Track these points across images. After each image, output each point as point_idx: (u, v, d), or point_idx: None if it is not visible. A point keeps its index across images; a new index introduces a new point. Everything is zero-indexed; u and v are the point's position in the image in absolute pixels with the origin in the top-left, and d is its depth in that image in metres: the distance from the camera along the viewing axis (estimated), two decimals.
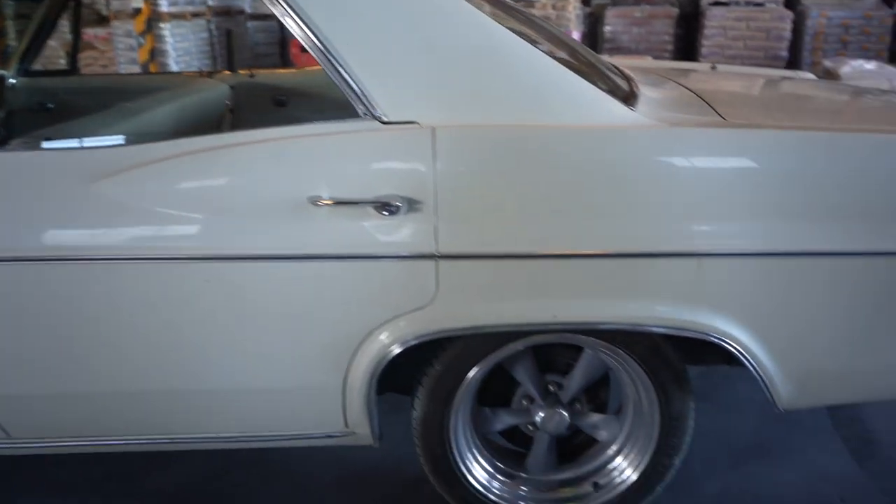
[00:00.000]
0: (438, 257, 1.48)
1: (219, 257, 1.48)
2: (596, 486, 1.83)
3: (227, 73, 3.09)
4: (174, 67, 7.59)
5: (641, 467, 1.78)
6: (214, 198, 1.47)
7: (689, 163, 1.50)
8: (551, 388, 1.81)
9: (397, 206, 1.44)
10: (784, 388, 1.62)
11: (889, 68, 6.79)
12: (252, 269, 1.49)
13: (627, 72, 2.02)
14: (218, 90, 2.82)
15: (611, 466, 1.84)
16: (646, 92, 1.79)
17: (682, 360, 1.69)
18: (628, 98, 1.65)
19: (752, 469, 2.15)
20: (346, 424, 1.65)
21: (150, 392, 1.62)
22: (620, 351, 1.65)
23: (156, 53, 7.68)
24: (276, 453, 2.19)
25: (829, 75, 6.64)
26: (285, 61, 8.64)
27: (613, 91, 1.62)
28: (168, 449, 1.73)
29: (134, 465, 2.14)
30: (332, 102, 2.92)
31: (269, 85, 2.97)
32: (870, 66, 6.71)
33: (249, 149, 1.48)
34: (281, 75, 3.13)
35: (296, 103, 2.91)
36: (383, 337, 1.54)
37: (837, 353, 1.61)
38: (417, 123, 1.46)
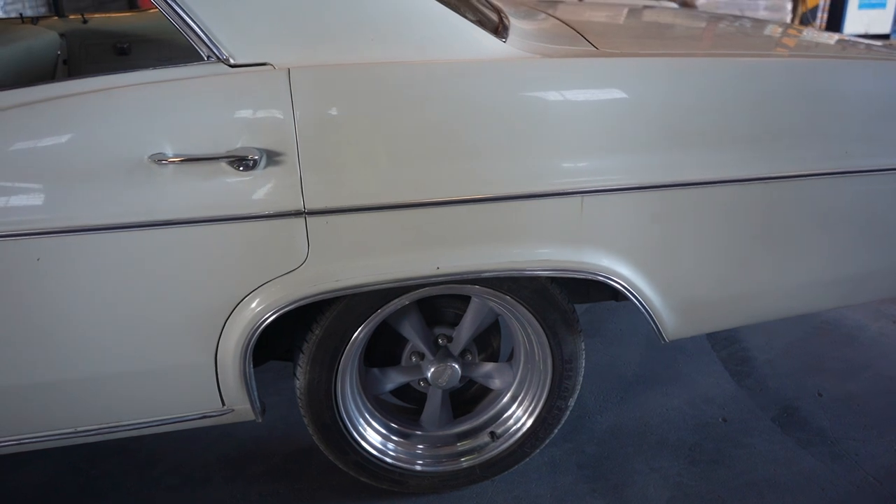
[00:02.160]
0: (307, 213, 1.35)
1: (48, 231, 1.27)
2: (493, 435, 1.79)
3: (55, 18, 2.73)
4: None
5: (536, 412, 1.76)
6: (31, 162, 1.25)
7: (564, 95, 1.43)
8: (441, 341, 1.74)
9: (255, 160, 1.29)
10: (669, 319, 1.63)
11: None
12: (90, 242, 1.30)
13: (496, 2, 1.92)
14: (45, 39, 2.48)
15: (507, 415, 1.80)
16: (516, 23, 1.70)
17: (569, 300, 1.65)
18: (498, 30, 1.55)
19: (641, 399, 2.20)
20: (223, 402, 1.51)
21: None
22: (508, 297, 1.59)
23: None
24: (147, 438, 2.01)
25: (686, 4, 6.92)
26: (132, 3, 7.85)
27: (483, 23, 1.51)
28: (18, 451, 1.53)
29: None
30: (182, 48, 2.66)
31: (106, 31, 2.64)
32: None
33: (73, 101, 1.26)
34: (119, 19, 2.80)
35: (140, 50, 2.62)
36: (254, 305, 1.40)
37: (717, 280, 1.63)
38: (270, 65, 1.30)
